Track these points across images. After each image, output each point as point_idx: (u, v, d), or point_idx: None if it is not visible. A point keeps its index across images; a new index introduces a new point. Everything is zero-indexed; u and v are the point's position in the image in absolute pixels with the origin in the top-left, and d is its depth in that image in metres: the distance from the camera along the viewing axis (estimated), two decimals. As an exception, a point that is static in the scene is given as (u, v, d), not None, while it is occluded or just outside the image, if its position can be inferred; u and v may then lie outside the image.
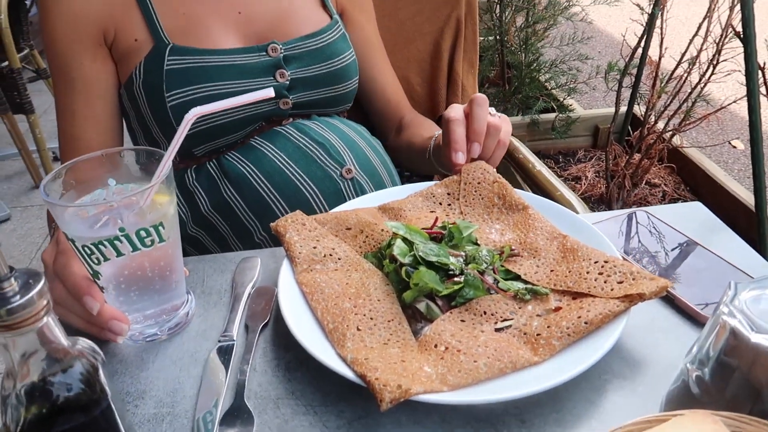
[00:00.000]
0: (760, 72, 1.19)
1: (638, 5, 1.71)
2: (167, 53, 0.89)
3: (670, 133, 1.73)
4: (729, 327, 0.46)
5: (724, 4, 1.43)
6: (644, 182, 1.88)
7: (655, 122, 1.74)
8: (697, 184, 1.97)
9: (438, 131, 0.95)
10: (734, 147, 3.11)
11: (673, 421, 0.42)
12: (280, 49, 0.95)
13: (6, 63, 2.67)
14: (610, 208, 1.91)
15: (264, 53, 0.94)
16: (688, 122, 1.64)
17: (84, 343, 0.43)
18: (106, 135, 0.96)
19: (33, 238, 2.57)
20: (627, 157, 1.86)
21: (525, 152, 1.25)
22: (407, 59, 1.32)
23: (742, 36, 1.19)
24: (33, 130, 2.83)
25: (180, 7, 0.93)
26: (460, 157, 0.78)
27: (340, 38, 1.03)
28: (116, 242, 0.56)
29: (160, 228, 0.59)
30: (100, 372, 0.42)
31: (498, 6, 2.36)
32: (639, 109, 2.00)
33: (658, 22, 1.68)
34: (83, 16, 0.89)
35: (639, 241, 0.78)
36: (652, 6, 1.69)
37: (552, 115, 2.27)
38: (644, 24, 1.75)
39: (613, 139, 1.92)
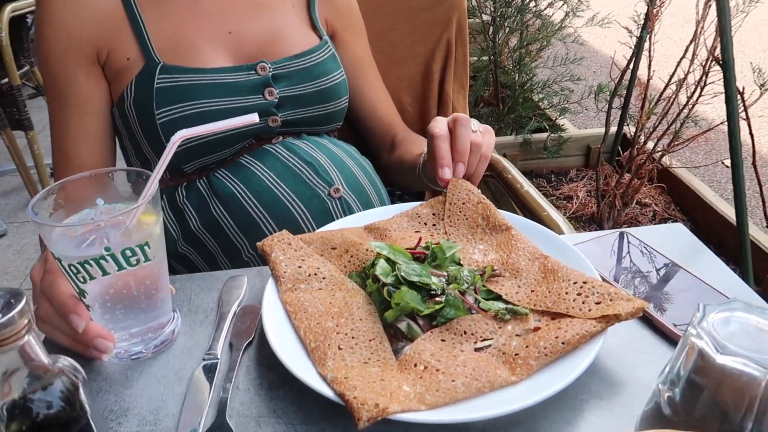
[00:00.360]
0: (739, 96, 1.21)
1: (627, 28, 1.74)
2: (158, 72, 0.91)
3: (660, 153, 1.75)
4: (697, 348, 0.47)
5: (711, 28, 1.46)
6: (635, 202, 1.90)
7: (645, 142, 1.76)
8: (686, 204, 1.98)
9: (424, 153, 0.97)
10: (727, 167, 3.13)
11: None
12: (269, 68, 0.97)
13: (6, 80, 2.70)
14: (600, 227, 1.92)
15: (253, 72, 0.96)
16: (677, 143, 1.66)
17: (65, 361, 0.44)
18: (98, 153, 0.98)
19: (28, 254, 2.57)
20: (617, 177, 1.88)
21: (514, 173, 1.27)
22: (399, 79, 1.34)
23: (721, 62, 1.22)
24: (31, 146, 2.85)
25: (171, 27, 0.95)
26: (446, 173, 0.80)
27: (329, 58, 1.05)
28: (102, 261, 0.58)
29: (146, 248, 0.60)
30: (80, 390, 0.43)
31: (492, 27, 2.40)
32: (629, 130, 2.02)
33: (646, 45, 1.71)
34: (77, 35, 0.91)
35: (620, 262, 0.80)
36: (640, 29, 1.72)
37: (544, 135, 2.30)
38: (633, 47, 1.78)
39: (603, 159, 1.94)
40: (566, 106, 2.29)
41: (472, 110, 1.76)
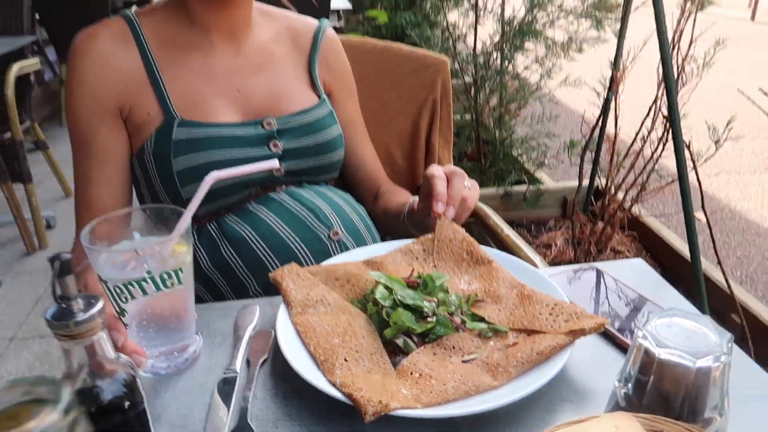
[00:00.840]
0: (689, 150, 1.37)
1: (594, 89, 1.91)
2: (176, 126, 1.02)
3: (629, 203, 1.89)
4: (643, 347, 0.58)
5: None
6: (609, 249, 2.03)
7: (615, 193, 1.91)
8: (656, 251, 2.12)
9: (412, 198, 1.09)
10: (698, 219, 3.31)
11: (598, 419, 0.53)
12: (274, 123, 1.09)
13: (9, 134, 2.82)
14: (579, 273, 2.04)
15: (260, 126, 1.08)
16: (645, 193, 1.81)
17: (124, 358, 0.54)
18: (117, 199, 1.08)
19: (23, 304, 2.61)
20: (591, 225, 2.01)
21: (495, 219, 1.39)
22: (390, 135, 1.47)
23: (668, 119, 1.37)
24: (29, 198, 2.95)
25: (188, 86, 1.07)
26: (440, 207, 0.90)
27: (327, 115, 1.17)
28: (143, 283, 0.67)
29: (179, 272, 0.70)
30: (138, 380, 0.52)
31: (473, 88, 2.58)
32: (600, 182, 2.18)
33: (613, 104, 1.88)
34: (104, 95, 1.03)
35: (584, 289, 0.91)
36: (607, 90, 1.90)
37: (524, 187, 2.45)
38: (600, 106, 1.95)
39: (579, 209, 2.09)
40: (543, 160, 2.45)
41: (456, 164, 1.89)
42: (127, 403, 0.51)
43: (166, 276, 0.69)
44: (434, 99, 1.46)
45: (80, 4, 4.22)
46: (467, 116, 2.66)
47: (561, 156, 2.43)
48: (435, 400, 0.64)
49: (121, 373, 0.51)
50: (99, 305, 0.49)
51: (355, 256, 0.93)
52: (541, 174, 2.60)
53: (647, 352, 0.57)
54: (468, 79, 2.58)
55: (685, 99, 1.60)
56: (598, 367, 0.75)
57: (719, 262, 1.56)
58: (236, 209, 1.08)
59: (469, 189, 0.94)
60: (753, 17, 9.01)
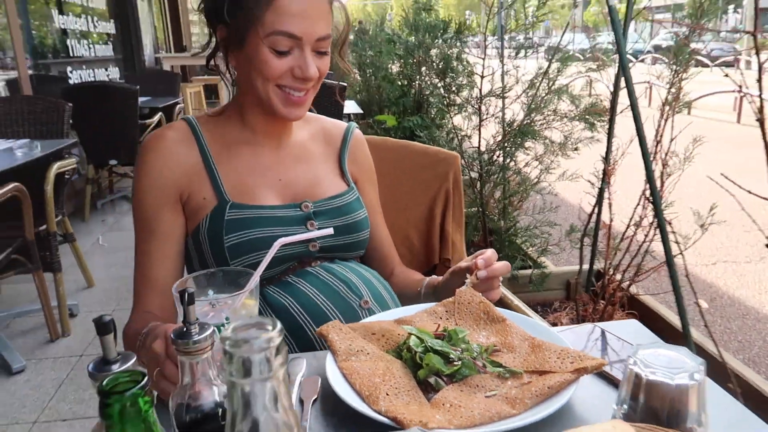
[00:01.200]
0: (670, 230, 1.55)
1: (590, 181, 2.13)
2: (228, 208, 1.20)
3: (627, 283, 2.04)
4: (634, 372, 0.72)
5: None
6: (612, 328, 2.15)
7: (613, 274, 2.06)
8: (654, 326, 2.24)
9: (426, 279, 1.28)
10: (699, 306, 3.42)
11: (600, 424, 0.66)
12: (311, 206, 1.27)
13: (44, 227, 3.02)
14: (586, 353, 2.15)
15: (298, 209, 1.26)
16: (640, 274, 1.96)
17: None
18: (174, 273, 1.24)
19: (46, 389, 2.69)
20: (593, 304, 2.15)
21: (505, 292, 1.53)
22: (407, 221, 1.66)
23: (651, 201, 1.56)
24: (57, 287, 3.10)
25: (238, 175, 1.26)
26: (480, 262, 1.08)
27: (355, 200, 1.36)
28: (221, 327, 0.82)
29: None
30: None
31: (479, 182, 2.81)
32: (600, 265, 2.34)
33: (606, 194, 2.08)
34: (168, 184, 1.22)
35: (586, 341, 1.04)
36: (600, 182, 2.11)
37: (529, 271, 2.61)
38: (596, 196, 2.16)
39: (581, 290, 2.23)
40: (546, 247, 2.63)
41: (465, 251, 2.07)
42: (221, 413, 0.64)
43: (239, 323, 0.83)
44: (447, 189, 1.66)
45: (110, 114, 4.61)
46: (473, 208, 2.87)
47: (563, 243, 2.60)
48: (465, 423, 0.77)
49: (221, 386, 0.65)
50: (209, 332, 0.64)
51: (386, 317, 1.08)
52: (544, 259, 2.76)
53: (637, 376, 0.71)
54: (474, 174, 2.82)
55: (670, 189, 1.79)
56: (598, 400, 0.87)
57: (710, 334, 1.68)
58: (277, 282, 1.24)
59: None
60: (738, 120, 9.55)
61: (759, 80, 1.40)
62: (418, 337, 0.92)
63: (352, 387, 0.86)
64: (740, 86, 1.54)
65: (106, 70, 6.91)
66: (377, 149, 1.56)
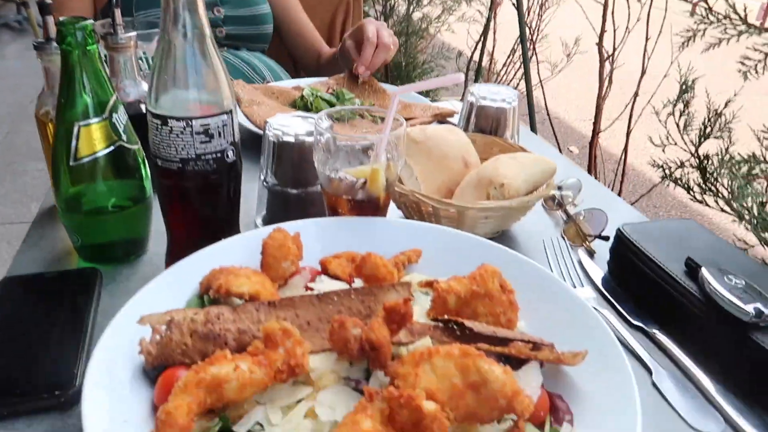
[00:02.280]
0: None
1: (479, 11, 2.30)
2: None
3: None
4: (469, 101, 0.95)
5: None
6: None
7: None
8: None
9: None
10: (572, 151, 3.87)
11: (443, 127, 0.90)
12: None
13: None
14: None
15: None
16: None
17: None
18: None
19: None
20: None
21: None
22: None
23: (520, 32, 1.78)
24: None
25: None
26: (362, 69, 1.23)
27: None
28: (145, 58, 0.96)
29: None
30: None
31: (382, 17, 2.92)
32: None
33: (492, 24, 2.28)
34: None
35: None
36: (488, 10, 2.31)
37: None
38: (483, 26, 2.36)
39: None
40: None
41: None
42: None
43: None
44: (347, 2, 1.79)
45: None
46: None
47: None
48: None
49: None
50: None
51: (286, 84, 1.26)
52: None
53: (471, 104, 0.95)
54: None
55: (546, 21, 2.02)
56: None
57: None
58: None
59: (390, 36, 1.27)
60: None
61: None
62: (311, 92, 1.11)
63: (250, 121, 1.05)
64: None
65: None
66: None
